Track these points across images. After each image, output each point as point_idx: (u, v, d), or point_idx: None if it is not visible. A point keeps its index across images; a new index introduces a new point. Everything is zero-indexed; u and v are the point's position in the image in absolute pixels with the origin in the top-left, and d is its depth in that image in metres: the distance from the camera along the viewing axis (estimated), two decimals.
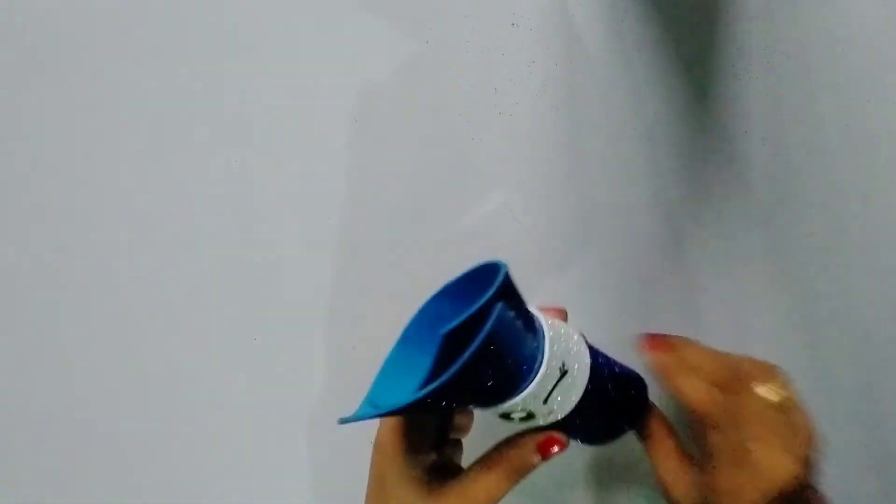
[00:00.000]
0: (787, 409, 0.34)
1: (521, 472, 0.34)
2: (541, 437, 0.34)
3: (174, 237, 0.40)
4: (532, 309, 0.34)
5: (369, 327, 0.41)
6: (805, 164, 0.42)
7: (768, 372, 0.35)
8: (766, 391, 0.35)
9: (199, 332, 0.41)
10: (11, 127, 0.39)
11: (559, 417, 0.33)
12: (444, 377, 0.28)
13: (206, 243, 0.40)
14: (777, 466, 0.33)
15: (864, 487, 0.45)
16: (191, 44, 0.38)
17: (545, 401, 0.32)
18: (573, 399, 0.33)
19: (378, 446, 0.35)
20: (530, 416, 0.33)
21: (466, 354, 0.28)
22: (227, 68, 0.39)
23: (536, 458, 0.34)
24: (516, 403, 0.32)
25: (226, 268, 0.40)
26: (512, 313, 0.31)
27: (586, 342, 0.35)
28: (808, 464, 0.33)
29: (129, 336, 0.41)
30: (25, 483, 0.42)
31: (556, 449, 0.34)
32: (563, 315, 0.37)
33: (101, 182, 0.39)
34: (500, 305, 0.30)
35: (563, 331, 0.34)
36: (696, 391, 0.35)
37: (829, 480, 0.35)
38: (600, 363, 0.35)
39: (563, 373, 0.32)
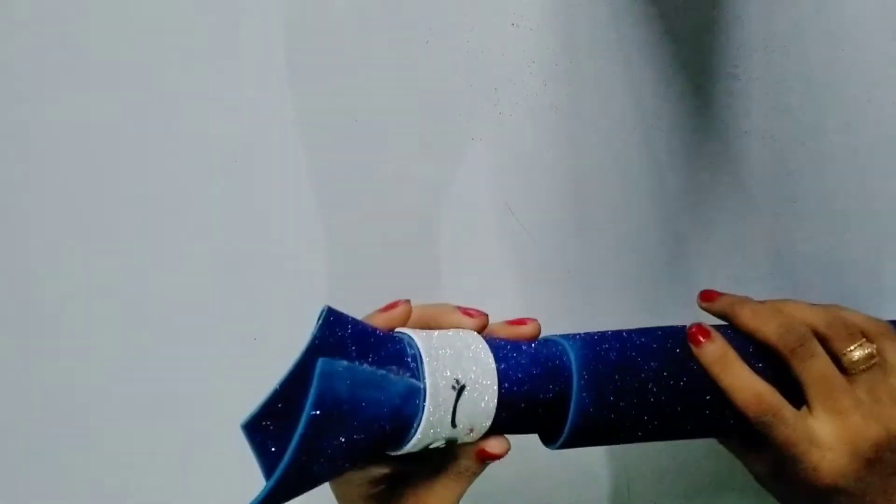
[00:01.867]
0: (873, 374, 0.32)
1: (467, 477, 0.31)
2: (476, 447, 0.31)
3: (174, 237, 0.40)
4: (401, 330, 0.30)
5: None
6: (805, 164, 0.42)
7: (846, 333, 0.33)
8: (855, 357, 0.32)
9: (198, 332, 0.41)
10: (8, 127, 0.39)
11: (485, 429, 0.30)
12: (276, 474, 0.25)
13: (206, 243, 0.40)
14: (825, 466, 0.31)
15: None
16: (191, 42, 0.38)
17: (453, 423, 0.28)
18: (488, 407, 0.29)
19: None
20: (452, 441, 0.29)
21: (294, 441, 0.25)
22: (226, 68, 0.38)
23: (476, 464, 0.31)
24: (419, 441, 0.28)
25: (225, 268, 0.40)
26: (344, 362, 0.27)
27: (485, 340, 0.31)
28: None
29: (127, 336, 0.41)
30: (26, 483, 0.42)
31: (491, 457, 0.31)
32: (480, 318, 0.32)
33: (100, 181, 0.39)
34: (320, 364, 0.26)
35: (446, 342, 0.30)
36: (741, 391, 0.32)
37: None
38: (511, 358, 0.31)
39: (461, 388, 0.28)
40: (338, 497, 0.33)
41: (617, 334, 0.33)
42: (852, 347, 0.33)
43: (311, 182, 0.40)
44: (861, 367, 0.33)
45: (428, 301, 0.34)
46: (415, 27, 0.38)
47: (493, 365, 0.30)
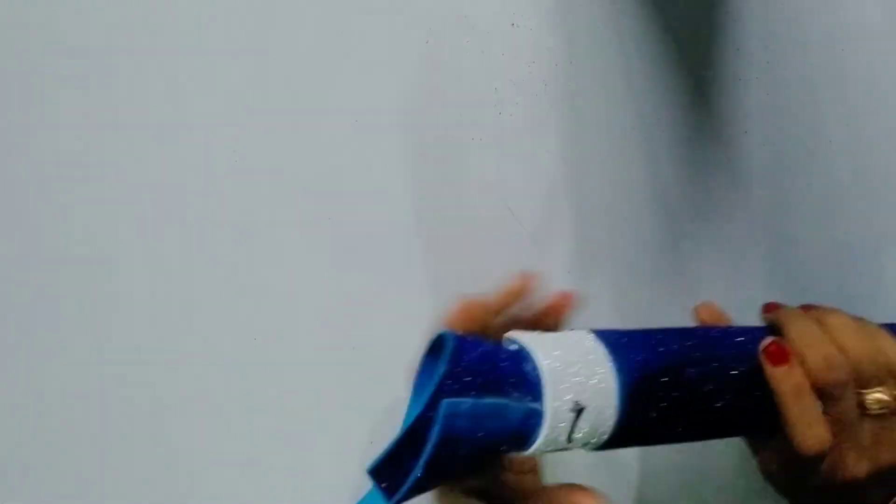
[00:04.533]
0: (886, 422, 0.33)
1: None
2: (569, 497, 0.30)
3: (175, 236, 0.40)
4: (526, 342, 0.30)
5: (368, 328, 0.41)
6: (805, 165, 0.42)
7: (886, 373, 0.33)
8: (871, 399, 0.33)
9: (199, 332, 0.41)
10: (6, 126, 0.39)
11: (604, 440, 0.30)
12: (397, 497, 0.28)
13: (207, 243, 0.40)
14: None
15: None
16: (193, 41, 0.38)
17: (570, 439, 0.29)
18: (608, 422, 0.30)
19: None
20: (568, 448, 0.30)
21: (413, 475, 0.27)
22: (228, 67, 0.38)
23: None
24: (535, 452, 0.29)
25: (226, 268, 0.40)
26: (468, 402, 0.28)
27: (610, 348, 0.31)
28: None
29: (128, 336, 0.41)
30: (27, 483, 0.42)
31: None
32: (563, 303, 0.34)
33: (98, 180, 0.39)
34: (444, 405, 0.27)
35: (570, 361, 0.30)
36: (806, 430, 0.32)
37: None
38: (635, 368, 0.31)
39: (579, 410, 0.29)
40: None
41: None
42: (872, 391, 0.33)
43: (311, 182, 0.40)
44: (872, 411, 0.33)
45: (430, 300, 0.34)
46: (415, 27, 0.38)
47: (615, 385, 0.30)
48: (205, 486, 0.43)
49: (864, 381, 0.33)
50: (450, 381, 0.29)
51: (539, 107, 0.40)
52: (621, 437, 0.31)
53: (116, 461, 0.43)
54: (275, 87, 0.39)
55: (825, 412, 0.33)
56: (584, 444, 0.30)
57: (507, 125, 0.40)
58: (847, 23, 0.40)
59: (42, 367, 0.41)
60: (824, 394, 0.32)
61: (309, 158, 0.40)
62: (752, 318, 0.43)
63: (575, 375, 0.29)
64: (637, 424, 0.31)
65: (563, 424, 0.29)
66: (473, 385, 0.29)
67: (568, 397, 0.29)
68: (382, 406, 0.43)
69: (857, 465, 0.33)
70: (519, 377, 0.30)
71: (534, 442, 0.29)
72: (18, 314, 0.40)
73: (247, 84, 0.39)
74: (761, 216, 0.42)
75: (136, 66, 0.38)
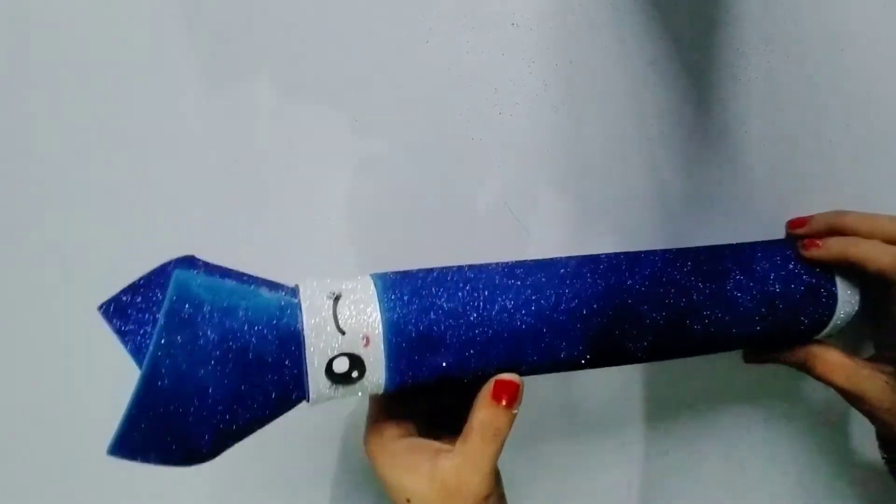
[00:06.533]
0: None
1: (497, 430, 0.31)
2: (490, 386, 0.31)
3: (178, 236, 0.40)
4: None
5: None
6: (805, 164, 0.42)
7: None
8: None
9: None
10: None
11: (380, 336, 0.30)
12: (121, 423, 0.27)
13: (209, 243, 0.40)
14: None
15: None
16: (191, 43, 0.38)
17: (339, 329, 0.29)
18: (374, 314, 0.30)
19: (369, 453, 0.34)
20: (355, 358, 0.29)
21: (132, 399, 0.26)
22: (229, 67, 0.38)
23: (500, 409, 0.31)
24: (314, 354, 0.29)
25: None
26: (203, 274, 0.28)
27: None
28: None
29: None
30: (28, 484, 0.42)
31: (506, 396, 0.31)
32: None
33: (97, 179, 0.39)
34: (175, 273, 0.27)
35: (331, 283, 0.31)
36: (877, 253, 0.36)
37: None
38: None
39: (337, 296, 0.30)
40: (387, 479, 0.33)
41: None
42: None
43: (311, 182, 0.40)
44: None
45: None
46: (415, 27, 0.38)
47: (370, 280, 0.31)
48: (199, 485, 0.43)
49: None
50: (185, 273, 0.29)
51: (539, 107, 0.40)
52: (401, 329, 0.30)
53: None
54: (273, 86, 0.39)
55: None
56: (366, 344, 0.29)
57: (507, 125, 0.40)
58: (847, 23, 0.40)
59: (40, 364, 0.41)
60: None
61: (308, 158, 0.40)
62: None
63: (332, 284, 0.31)
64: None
65: (324, 311, 0.29)
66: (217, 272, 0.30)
67: (322, 290, 0.30)
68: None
69: None
70: (269, 283, 0.30)
71: (301, 328, 0.28)
72: (14, 311, 0.40)
73: (245, 83, 0.39)
74: (761, 216, 0.42)
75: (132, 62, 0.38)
